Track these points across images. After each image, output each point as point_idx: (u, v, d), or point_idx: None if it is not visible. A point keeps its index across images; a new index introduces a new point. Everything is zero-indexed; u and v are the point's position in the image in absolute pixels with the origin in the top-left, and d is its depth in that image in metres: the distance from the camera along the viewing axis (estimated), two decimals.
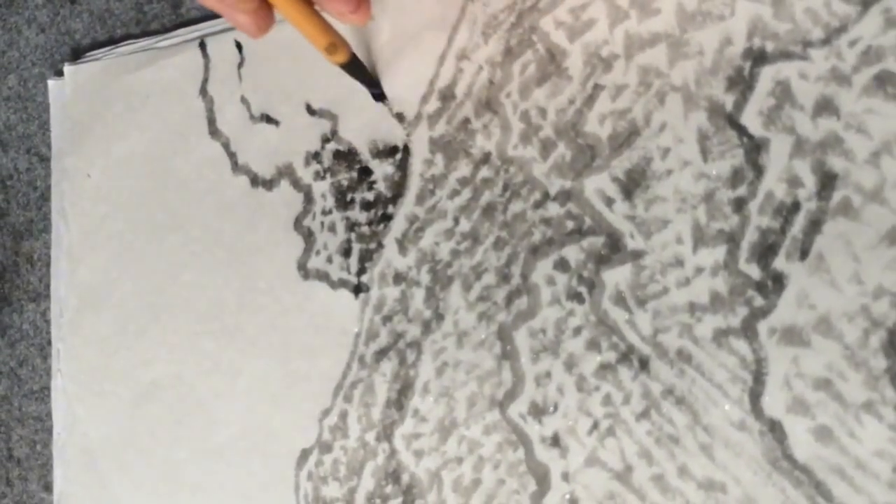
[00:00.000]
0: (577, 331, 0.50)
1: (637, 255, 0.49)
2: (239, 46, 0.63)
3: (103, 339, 0.66)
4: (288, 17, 0.50)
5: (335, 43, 0.53)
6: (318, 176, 0.59)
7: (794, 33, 0.46)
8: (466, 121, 0.54)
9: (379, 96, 0.57)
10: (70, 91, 0.71)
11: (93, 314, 0.67)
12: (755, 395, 0.45)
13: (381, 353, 0.55)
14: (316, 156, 0.59)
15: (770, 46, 0.46)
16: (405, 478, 0.54)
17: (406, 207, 0.55)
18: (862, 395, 0.43)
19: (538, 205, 0.51)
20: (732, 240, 0.46)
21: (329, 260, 0.58)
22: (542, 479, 0.50)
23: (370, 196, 0.57)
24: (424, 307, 0.54)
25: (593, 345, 0.49)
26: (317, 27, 0.51)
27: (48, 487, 0.69)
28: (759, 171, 0.46)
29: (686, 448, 0.46)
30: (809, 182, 0.45)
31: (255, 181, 0.61)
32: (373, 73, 0.57)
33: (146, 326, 0.65)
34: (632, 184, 0.49)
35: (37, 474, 0.70)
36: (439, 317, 0.54)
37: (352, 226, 0.57)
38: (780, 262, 0.45)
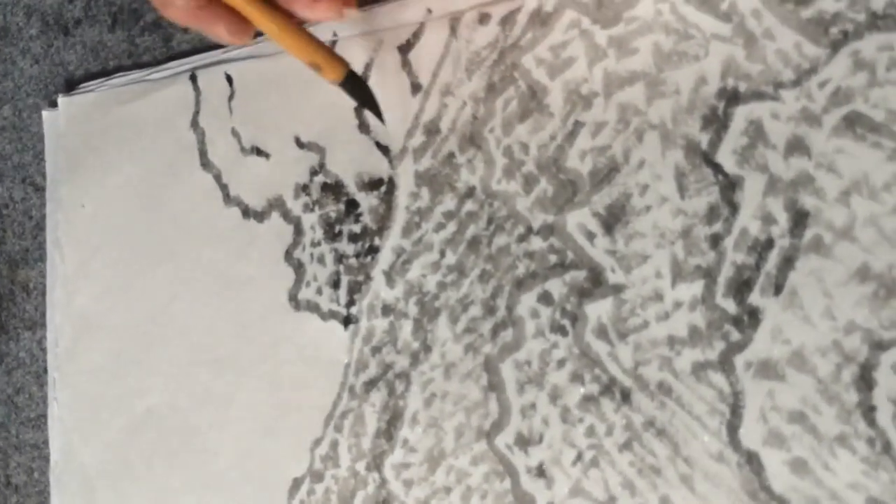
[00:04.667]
0: (561, 363, 0.51)
1: (618, 289, 0.50)
2: (229, 79, 0.64)
3: (98, 368, 0.67)
4: (267, 32, 0.52)
5: (316, 63, 0.53)
6: (308, 208, 0.60)
7: (765, 74, 0.47)
8: (451, 155, 0.55)
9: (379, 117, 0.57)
10: (64, 122, 0.71)
11: (88, 343, 0.68)
12: (733, 428, 0.46)
13: (371, 384, 0.56)
14: (305, 188, 0.60)
15: (743, 87, 0.47)
16: None
17: (392, 240, 0.56)
18: (835, 428, 0.44)
19: (522, 238, 0.52)
20: (709, 275, 0.47)
21: (319, 291, 0.59)
22: None
23: (357, 228, 0.58)
24: (412, 339, 0.55)
25: (577, 377, 0.50)
26: (297, 42, 0.52)
27: None
28: (733, 208, 0.47)
29: (667, 479, 0.47)
30: (782, 219, 0.46)
31: (247, 213, 0.62)
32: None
33: (140, 355, 0.65)
34: (612, 219, 0.50)
35: (34, 501, 0.71)
36: (427, 348, 0.55)
37: (340, 258, 0.58)
38: (755, 298, 0.46)
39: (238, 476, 0.60)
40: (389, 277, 0.56)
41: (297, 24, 0.52)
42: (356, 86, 0.55)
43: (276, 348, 0.60)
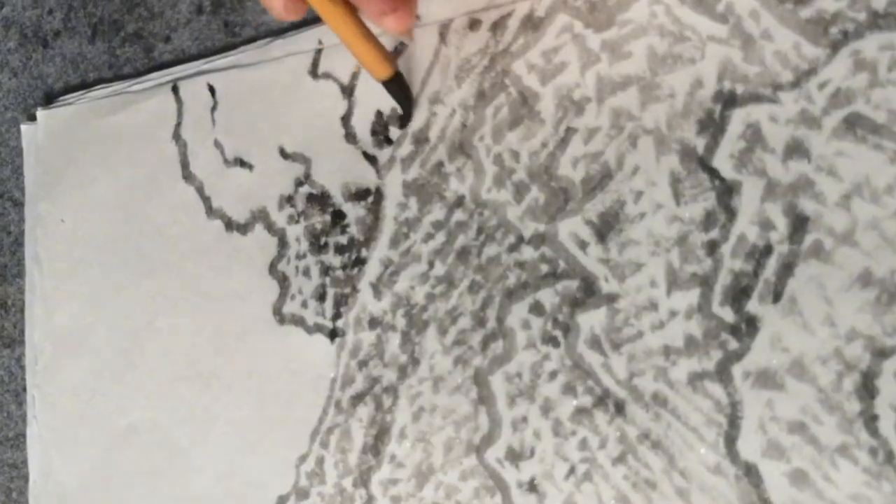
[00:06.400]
0: (553, 375, 0.50)
1: (611, 299, 0.48)
2: (212, 90, 0.63)
3: (78, 386, 0.66)
4: (324, 17, 0.50)
5: (367, 58, 0.52)
6: (292, 220, 0.59)
7: (763, 76, 0.46)
8: (440, 164, 0.54)
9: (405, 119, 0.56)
10: (43, 136, 0.70)
11: (67, 360, 0.67)
12: (730, 439, 0.45)
13: (358, 398, 0.55)
14: (289, 199, 0.59)
15: (740, 89, 0.46)
16: None
17: (380, 251, 0.55)
18: (836, 438, 0.43)
19: (512, 248, 0.51)
20: (706, 283, 0.46)
21: (304, 304, 0.57)
22: None
23: (343, 240, 0.56)
24: (400, 352, 0.54)
25: (569, 389, 0.49)
26: (355, 35, 0.51)
27: None
28: (731, 214, 0.46)
29: (663, 492, 0.46)
30: (781, 225, 0.44)
31: (230, 225, 0.61)
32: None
33: (121, 372, 0.64)
34: (605, 227, 0.49)
35: None
36: (415, 361, 0.53)
37: (326, 270, 0.57)
38: (753, 305, 0.45)
39: (222, 494, 0.59)
40: (377, 289, 0.55)
41: (357, 16, 0.50)
42: (400, 85, 0.54)
43: (260, 363, 0.59)
